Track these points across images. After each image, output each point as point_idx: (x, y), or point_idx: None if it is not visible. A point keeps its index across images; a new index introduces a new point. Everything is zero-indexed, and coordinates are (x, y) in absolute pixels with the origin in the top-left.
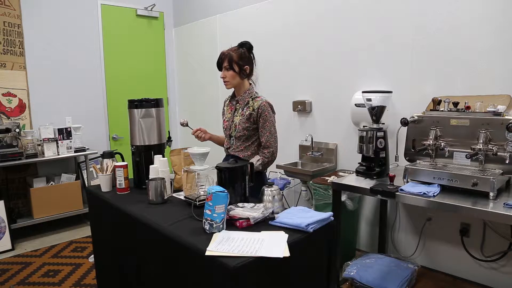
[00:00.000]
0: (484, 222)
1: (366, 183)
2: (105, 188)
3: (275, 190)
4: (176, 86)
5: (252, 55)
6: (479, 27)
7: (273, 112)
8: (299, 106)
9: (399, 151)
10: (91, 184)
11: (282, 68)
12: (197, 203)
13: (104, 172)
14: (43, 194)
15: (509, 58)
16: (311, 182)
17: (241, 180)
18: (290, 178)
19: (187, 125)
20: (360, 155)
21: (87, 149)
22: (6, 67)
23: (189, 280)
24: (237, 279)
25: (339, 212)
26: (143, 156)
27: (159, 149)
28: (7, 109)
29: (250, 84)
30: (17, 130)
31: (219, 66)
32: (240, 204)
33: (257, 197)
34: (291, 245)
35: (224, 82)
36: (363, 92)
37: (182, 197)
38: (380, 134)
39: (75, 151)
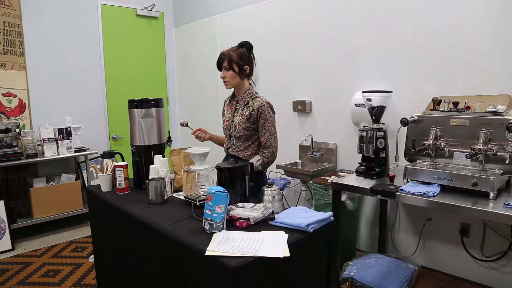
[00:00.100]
0: (484, 222)
1: (366, 183)
2: (105, 188)
3: (275, 190)
4: (176, 86)
5: (252, 55)
6: (479, 27)
7: (273, 112)
8: (299, 106)
9: (399, 151)
10: (91, 184)
11: (282, 68)
12: (197, 203)
13: (104, 172)
14: (43, 194)
15: (509, 58)
16: (311, 182)
17: (241, 180)
18: (290, 178)
19: (187, 125)
20: (360, 155)
21: (87, 149)
22: (6, 67)
23: (189, 280)
24: (237, 279)
25: (339, 212)
26: (143, 156)
27: (159, 149)
28: (7, 109)
29: (250, 84)
30: (17, 130)
31: (219, 66)
32: (240, 204)
33: (257, 197)
34: (291, 245)
35: (224, 82)
36: (363, 92)
37: (182, 197)
38: (380, 134)
39: (75, 151)
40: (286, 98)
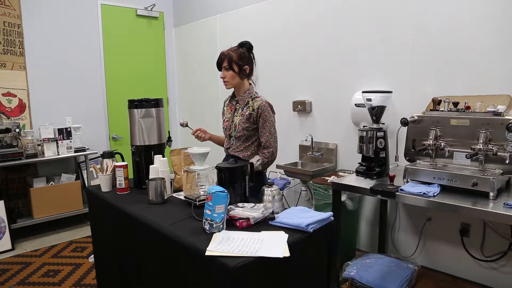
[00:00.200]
0: (484, 222)
1: (366, 183)
2: (105, 188)
3: (275, 190)
4: (176, 86)
5: (252, 55)
6: (479, 27)
7: (273, 112)
8: (299, 106)
9: (399, 151)
10: (91, 184)
11: (282, 68)
12: (197, 203)
13: (104, 172)
14: (43, 194)
15: (509, 58)
16: (311, 182)
17: (241, 180)
18: (290, 178)
19: (187, 125)
20: (360, 155)
21: (87, 149)
22: (6, 67)
23: (189, 280)
24: (237, 279)
25: (339, 212)
26: (143, 156)
27: (159, 149)
28: (7, 109)
29: (250, 84)
30: (17, 130)
31: (219, 66)
32: (240, 204)
33: (257, 197)
34: (291, 245)
35: (224, 82)
36: (363, 92)
37: (182, 197)
38: (380, 134)
39: (75, 151)
40: (286, 98)
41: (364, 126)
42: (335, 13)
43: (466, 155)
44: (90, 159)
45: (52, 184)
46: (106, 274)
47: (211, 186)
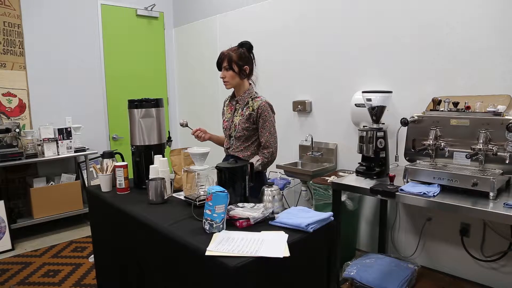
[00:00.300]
0: (484, 222)
1: (366, 183)
2: (105, 188)
3: (275, 190)
4: (176, 86)
5: (252, 55)
6: (479, 27)
7: (273, 112)
8: (299, 106)
9: (399, 151)
10: (91, 184)
11: (282, 68)
12: (197, 203)
13: (104, 172)
14: (43, 194)
15: (509, 58)
16: (311, 182)
17: (241, 180)
18: (290, 178)
19: (186, 125)
20: (360, 155)
21: (87, 149)
22: (6, 67)
23: (189, 280)
24: (237, 279)
25: (339, 212)
26: (143, 156)
27: (159, 149)
28: (7, 109)
29: (250, 84)
30: (17, 130)
31: (219, 66)
32: (240, 204)
33: (257, 197)
34: (291, 245)
35: (224, 82)
36: (363, 92)
37: (182, 197)
38: (380, 134)
39: (75, 151)
40: (286, 98)
41: (364, 126)
42: (335, 13)
43: (466, 155)
44: (90, 159)
45: (52, 184)
46: (106, 274)
47: (211, 186)
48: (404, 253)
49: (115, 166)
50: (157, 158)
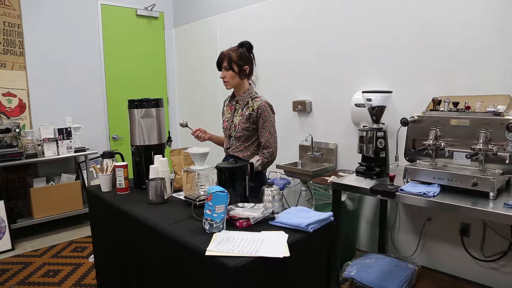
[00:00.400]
0: (484, 222)
1: (366, 183)
2: (105, 188)
3: (275, 190)
4: (176, 86)
5: (252, 55)
6: (479, 27)
7: (273, 112)
8: (299, 106)
9: (399, 151)
10: (91, 184)
11: (282, 68)
12: (197, 203)
13: (104, 172)
14: (43, 194)
15: (509, 58)
16: (311, 182)
17: (241, 180)
18: (290, 178)
19: (186, 125)
20: (360, 155)
21: (87, 149)
22: (6, 67)
23: (189, 280)
24: (237, 279)
25: (339, 212)
26: (143, 156)
27: (159, 149)
28: (7, 109)
29: (250, 84)
30: (17, 130)
31: (219, 66)
32: (240, 204)
33: (257, 197)
34: (291, 245)
35: (224, 82)
36: (363, 92)
37: (182, 197)
38: (380, 134)
39: (75, 151)
40: (286, 98)
41: (364, 126)
42: (335, 13)
43: (466, 155)
44: (90, 159)
45: (52, 184)
46: (106, 274)
47: (211, 186)
48: (404, 253)
49: (115, 166)
50: (157, 158)
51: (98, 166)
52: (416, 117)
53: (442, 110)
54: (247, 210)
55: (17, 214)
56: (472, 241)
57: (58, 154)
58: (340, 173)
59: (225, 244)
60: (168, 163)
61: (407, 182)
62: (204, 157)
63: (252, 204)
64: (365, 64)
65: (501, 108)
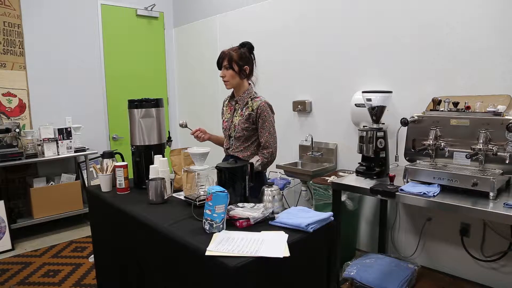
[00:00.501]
0: (484, 222)
1: (366, 183)
2: (105, 188)
3: (275, 190)
4: (176, 86)
5: (252, 56)
6: (479, 27)
7: (272, 112)
8: (299, 106)
9: (399, 151)
10: (91, 184)
11: (282, 68)
12: (197, 203)
13: (104, 172)
14: (43, 194)
15: (509, 58)
16: (311, 182)
17: (241, 180)
18: (290, 178)
19: (186, 126)
20: (360, 155)
21: (87, 149)
22: (6, 67)
23: (189, 280)
24: (237, 279)
25: (339, 212)
26: (143, 156)
27: (159, 149)
28: (7, 109)
29: (249, 84)
30: (17, 130)
31: (219, 65)
32: (240, 204)
33: (257, 197)
34: (291, 245)
35: (224, 82)
36: (363, 92)
37: (182, 197)
38: (380, 134)
39: (75, 151)
40: (286, 98)
41: (364, 126)
42: (335, 13)
43: (466, 155)
44: (90, 159)
45: (52, 184)
46: (106, 274)
47: (211, 186)
48: (404, 253)
49: (115, 166)
50: (157, 158)
51: (98, 166)
52: (416, 117)
53: (442, 110)
54: (247, 210)
55: (17, 214)
56: (472, 241)
57: (58, 154)
58: (340, 173)
59: (225, 244)
60: (168, 163)
61: (407, 182)
62: (204, 157)
63: (252, 204)
64: (365, 64)
65: (501, 108)
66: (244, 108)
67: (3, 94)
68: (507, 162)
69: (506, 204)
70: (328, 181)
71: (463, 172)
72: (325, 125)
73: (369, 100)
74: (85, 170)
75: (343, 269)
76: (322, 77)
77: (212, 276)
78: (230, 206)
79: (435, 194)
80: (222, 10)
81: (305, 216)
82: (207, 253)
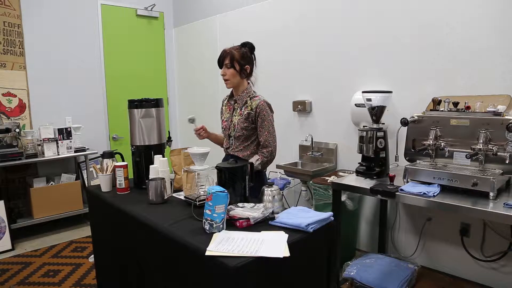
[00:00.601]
0: (484, 222)
1: (366, 183)
2: (105, 188)
3: (275, 190)
4: (176, 86)
5: (253, 56)
6: (479, 26)
7: (271, 111)
8: (299, 106)
9: (399, 151)
10: (91, 184)
11: (282, 68)
12: (197, 203)
13: (104, 172)
14: (43, 194)
15: (509, 58)
16: (311, 182)
17: (241, 180)
18: (290, 178)
19: (193, 122)
20: (360, 155)
21: (87, 149)
22: (6, 67)
23: (189, 280)
24: (237, 279)
25: (339, 212)
26: (143, 156)
27: (159, 149)
28: (7, 109)
29: (248, 83)
30: (17, 130)
31: (220, 63)
32: (240, 204)
33: (257, 197)
34: (291, 245)
35: (225, 80)
36: (363, 92)
37: (182, 197)
38: (380, 134)
39: (75, 151)
40: (286, 98)
41: (364, 126)
42: (335, 13)
43: (466, 155)
44: (90, 159)
45: (52, 184)
46: (106, 274)
47: (211, 186)
48: (404, 253)
49: (115, 166)
50: (157, 158)
51: (98, 166)
52: (416, 117)
53: (442, 110)
54: (247, 210)
55: (17, 214)
56: (472, 241)
57: (58, 154)
58: (340, 173)
59: (225, 244)
60: (168, 163)
61: (407, 182)
62: (204, 157)
63: (252, 204)
64: (365, 64)
65: (501, 108)
66: (243, 107)
67: (3, 94)
68: (507, 162)
69: (506, 204)
70: (328, 181)
71: (463, 172)
72: (325, 125)
73: (369, 100)
74: (85, 170)
75: (343, 269)
76: (322, 77)
77: (212, 276)
78: (230, 206)
79: (435, 194)
80: (222, 10)
81: (305, 216)
82: (207, 253)
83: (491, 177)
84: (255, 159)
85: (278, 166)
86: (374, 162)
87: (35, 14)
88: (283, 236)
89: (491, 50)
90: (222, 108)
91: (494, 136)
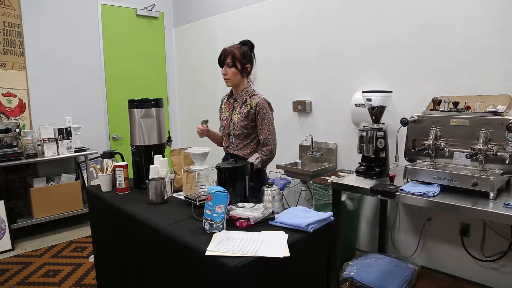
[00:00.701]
0: (484, 222)
1: (366, 183)
2: (105, 188)
3: (275, 190)
4: (176, 86)
5: (253, 54)
6: (479, 26)
7: (271, 109)
8: (299, 106)
9: (399, 151)
10: (91, 184)
11: (282, 68)
12: (197, 203)
13: (104, 172)
14: (43, 194)
15: (509, 58)
16: (311, 182)
17: (241, 180)
18: (290, 178)
19: (206, 123)
20: (360, 155)
21: (87, 149)
22: (6, 67)
23: (189, 280)
24: (237, 279)
25: (339, 212)
26: (143, 156)
27: (159, 149)
28: (7, 109)
29: (248, 82)
30: (17, 130)
31: (221, 62)
32: (240, 204)
33: (257, 197)
34: (291, 245)
35: (225, 79)
36: (363, 92)
37: (182, 197)
38: (380, 134)
39: (75, 151)
40: (286, 98)
41: (364, 126)
42: (335, 13)
43: (466, 155)
44: (90, 159)
45: (52, 184)
46: (106, 274)
47: (211, 186)
48: (404, 253)
49: (115, 166)
50: (157, 158)
51: (98, 166)
52: (416, 117)
53: (442, 110)
54: (247, 210)
55: (17, 214)
56: (472, 241)
57: (58, 154)
58: (340, 173)
59: (225, 244)
60: (168, 163)
61: (407, 182)
62: (204, 157)
63: (252, 204)
64: (365, 64)
65: (501, 108)
66: (243, 106)
67: (3, 94)
68: (507, 162)
69: (506, 204)
70: (328, 181)
71: (463, 172)
72: (325, 125)
73: (369, 100)
74: (85, 170)
75: (343, 269)
76: (322, 77)
77: (212, 276)
78: (230, 206)
79: (435, 194)
80: (222, 10)
81: (305, 216)
82: (207, 253)
83: (491, 177)
84: (255, 158)
85: (278, 166)
86: (374, 162)
87: (35, 14)
88: (283, 236)
89: (491, 50)
90: (221, 107)
91: (494, 136)
